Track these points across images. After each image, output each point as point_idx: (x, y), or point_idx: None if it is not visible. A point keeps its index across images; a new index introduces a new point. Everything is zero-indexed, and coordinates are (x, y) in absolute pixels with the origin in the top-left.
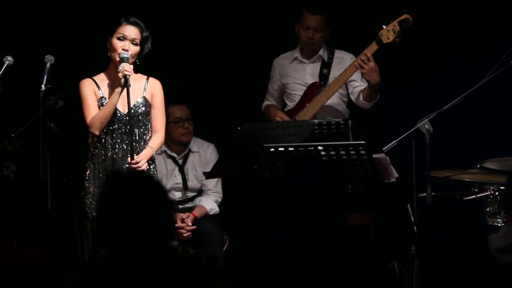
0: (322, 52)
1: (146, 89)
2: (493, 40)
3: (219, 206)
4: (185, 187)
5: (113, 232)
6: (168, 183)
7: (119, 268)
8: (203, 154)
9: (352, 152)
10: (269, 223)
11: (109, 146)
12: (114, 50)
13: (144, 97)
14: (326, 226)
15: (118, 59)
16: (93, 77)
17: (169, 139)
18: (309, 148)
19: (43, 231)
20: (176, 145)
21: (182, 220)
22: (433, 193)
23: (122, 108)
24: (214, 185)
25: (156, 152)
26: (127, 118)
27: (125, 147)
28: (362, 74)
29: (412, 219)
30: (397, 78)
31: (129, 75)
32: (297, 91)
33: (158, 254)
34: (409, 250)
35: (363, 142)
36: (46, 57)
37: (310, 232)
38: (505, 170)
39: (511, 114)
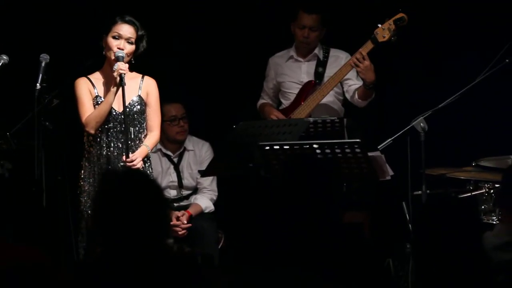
0: (318, 51)
1: (141, 88)
2: (488, 39)
3: (214, 204)
4: (180, 185)
5: (109, 230)
6: (163, 181)
7: (115, 266)
8: (198, 152)
9: (347, 150)
10: (264, 221)
11: (104, 145)
12: (109, 48)
13: (139, 96)
14: (321, 224)
15: (113, 57)
16: (88, 76)
17: (164, 138)
18: (304, 146)
19: (38, 230)
20: (171, 143)
21: (177, 218)
22: (428, 191)
23: (118, 107)
24: (209, 183)
25: (151, 150)
26: (122, 116)
27: (120, 146)
28: (357, 72)
29: (407, 217)
30: (392, 77)
31: (124, 74)
32: (293, 90)
33: (153, 252)
34: (404, 248)
35: (358, 140)
36: (41, 56)
37: (305, 230)
38: (500, 168)
39: (506, 112)
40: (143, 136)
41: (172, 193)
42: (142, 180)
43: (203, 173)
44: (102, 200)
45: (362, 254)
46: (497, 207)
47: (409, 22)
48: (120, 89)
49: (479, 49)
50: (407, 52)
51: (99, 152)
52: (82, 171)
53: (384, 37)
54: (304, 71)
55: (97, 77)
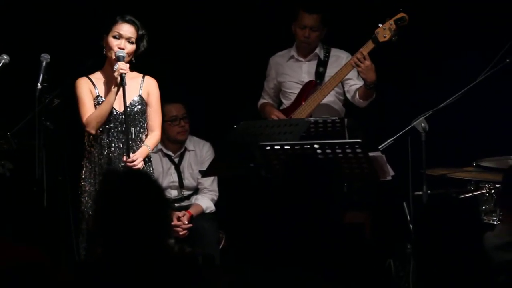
0: (318, 51)
1: (142, 88)
2: (489, 38)
3: (215, 205)
4: (181, 186)
5: (110, 231)
6: (164, 182)
7: (115, 266)
8: (199, 152)
9: (348, 151)
10: (265, 222)
11: (105, 145)
12: (110, 48)
13: (140, 96)
14: (322, 224)
15: (114, 57)
16: (89, 76)
17: (165, 138)
18: (305, 147)
19: (39, 230)
20: (172, 143)
21: (178, 219)
22: (429, 191)
23: (118, 107)
24: (210, 184)
25: (152, 150)
26: (123, 116)
27: (121, 146)
28: (358, 72)
29: (408, 217)
30: (393, 77)
31: (125, 74)
32: (293, 90)
33: (154, 253)
34: (405, 248)
35: (359, 140)
36: (42, 55)
37: (306, 230)
38: (501, 168)
39: (507, 113)
40: (144, 136)
41: (173, 193)
42: (143, 180)
43: (204, 173)
44: (103, 200)
45: (363, 254)
46: (498, 207)
47: (410, 22)
48: (121, 89)
49: (480, 49)
50: (408, 52)
51: (100, 152)
52: (83, 171)
53: (385, 37)
54: (305, 71)
55: (98, 77)
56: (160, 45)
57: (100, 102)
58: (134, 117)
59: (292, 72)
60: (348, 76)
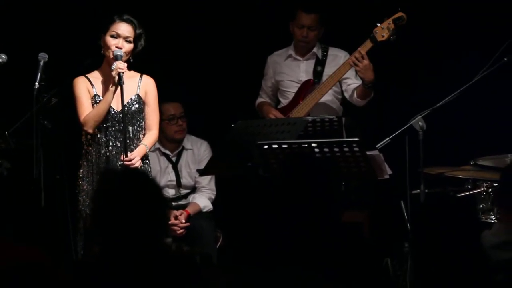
0: (316, 50)
1: (139, 87)
2: (486, 38)
3: (212, 203)
4: (179, 184)
5: (107, 230)
6: (161, 181)
7: (113, 265)
8: (197, 151)
9: (346, 149)
10: (262, 221)
11: (102, 144)
12: (108, 47)
13: (138, 95)
14: (320, 223)
15: (111, 56)
16: (87, 75)
17: (163, 137)
18: (303, 146)
19: (37, 229)
20: (169, 142)
21: (176, 217)
22: (426, 190)
23: (116, 106)
24: (208, 182)
25: (150, 149)
26: (121, 115)
27: (118, 145)
28: (356, 71)
29: (406, 216)
30: (390, 76)
31: (123, 73)
32: (291, 89)
33: (152, 251)
34: (403, 247)
35: (356, 139)
36: (39, 54)
37: (303, 229)
38: (499, 167)
39: (505, 111)
40: (141, 135)
41: (170, 192)
42: (141, 179)
43: (202, 172)
44: (100, 199)
45: (361, 253)
46: (495, 206)
47: (409, 21)
48: (119, 88)
49: (479, 49)
50: (405, 51)
51: (97, 151)
52: (81, 170)
53: (383, 36)
54: (302, 70)
55: (95, 76)
56: (158, 44)
57: (97, 101)
58: (132, 116)
59: (290, 71)
60: (346, 75)
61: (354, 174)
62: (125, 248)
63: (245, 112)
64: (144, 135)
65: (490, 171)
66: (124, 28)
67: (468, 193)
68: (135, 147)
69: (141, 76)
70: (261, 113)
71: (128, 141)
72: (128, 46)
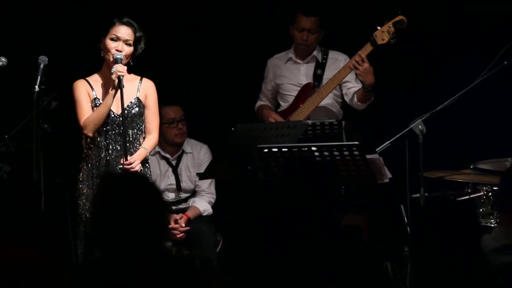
0: (316, 53)
1: (139, 90)
2: (486, 41)
3: (212, 207)
4: (179, 188)
5: (107, 233)
6: (161, 184)
7: (113, 269)
8: (197, 155)
9: (346, 153)
10: (262, 224)
11: (102, 147)
12: (108, 50)
13: (138, 98)
14: (319, 227)
15: (111, 60)
16: (87, 78)
17: (163, 140)
18: (303, 149)
19: (37, 233)
20: (169, 146)
21: (176, 221)
22: (426, 194)
23: (116, 109)
24: (208, 186)
25: (149, 153)
26: (121, 119)
27: (118, 148)
28: (356, 75)
29: (406, 219)
30: (390, 79)
31: (123, 76)
32: (291, 92)
33: (152, 255)
34: (402, 251)
35: (356, 143)
36: (39, 58)
37: (303, 233)
38: (498, 170)
39: (505, 115)
40: (141, 138)
41: (170, 196)
42: (141, 183)
43: (202, 176)
44: (100, 203)
45: (361, 256)
46: (495, 209)
47: (409, 24)
48: (119, 91)
49: (479, 52)
50: (406, 55)
51: (97, 154)
52: (81, 173)
53: (383, 39)
54: (302, 73)
55: (95, 79)
56: (158, 47)
57: (97, 105)
58: (132, 120)
59: (290, 74)
60: (346, 79)
61: (354, 177)
62: (124, 252)
63: (245, 116)
64: (144, 138)
65: (490, 174)
66: (124, 31)
67: (468, 197)
68: (135, 151)
69: (141, 79)
70: (261, 116)
71: (128, 144)
72: (128, 49)
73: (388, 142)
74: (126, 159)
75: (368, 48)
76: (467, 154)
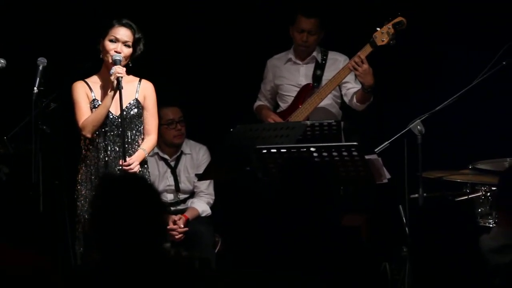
0: (316, 54)
1: (138, 91)
2: (485, 41)
3: (211, 208)
4: (177, 189)
5: (106, 235)
6: (160, 185)
7: (112, 270)
8: (195, 156)
9: (345, 154)
10: (261, 225)
11: (101, 149)
12: (107, 52)
13: (137, 99)
14: (318, 227)
15: (110, 61)
16: (86, 80)
17: (162, 141)
18: (302, 150)
19: (35, 234)
20: (168, 147)
21: (174, 222)
22: (425, 194)
23: (115, 110)
24: (206, 187)
25: (148, 154)
26: (119, 120)
27: (117, 149)
28: (356, 76)
29: (404, 220)
30: (389, 80)
31: (122, 77)
32: (290, 93)
33: (150, 256)
34: (401, 251)
35: (355, 143)
36: (38, 59)
37: (302, 233)
38: (497, 170)
39: (503, 115)
40: (140, 139)
41: (169, 197)
42: (139, 184)
43: (200, 177)
44: (99, 204)
45: (359, 257)
46: (493, 210)
47: (408, 25)
48: (118, 92)
49: (478, 52)
50: (405, 56)
51: (96, 156)
52: (79, 175)
53: (383, 40)
54: (302, 73)
55: (94, 81)
56: (157, 49)
57: (96, 106)
58: (131, 121)
59: (289, 75)
60: (345, 80)
61: (352, 178)
62: (123, 253)
63: (244, 117)
64: (142, 139)
65: (488, 175)
66: (123, 33)
67: (466, 197)
68: (134, 152)
69: (140, 81)
70: (260, 117)
71: (126, 145)
72: (127, 51)
73: (387, 142)
74: (125, 160)
75: (367, 49)
76: (466, 155)
